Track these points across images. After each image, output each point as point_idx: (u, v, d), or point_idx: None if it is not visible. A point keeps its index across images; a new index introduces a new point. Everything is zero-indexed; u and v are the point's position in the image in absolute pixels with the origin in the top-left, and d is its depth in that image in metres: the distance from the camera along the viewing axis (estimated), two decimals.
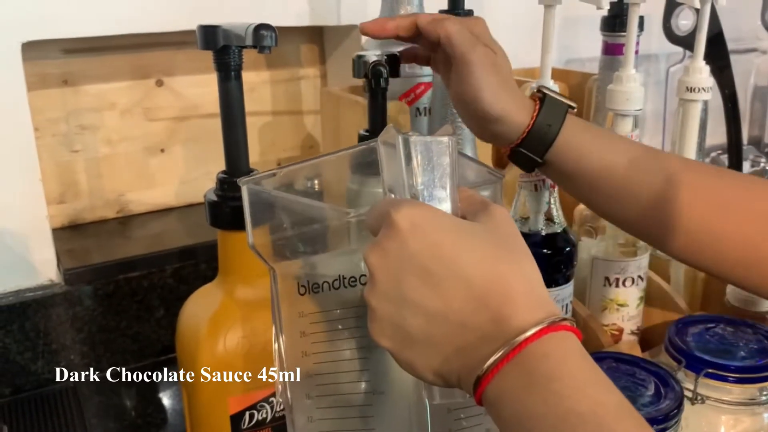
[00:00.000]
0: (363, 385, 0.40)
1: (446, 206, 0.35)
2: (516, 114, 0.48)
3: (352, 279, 0.40)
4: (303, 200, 0.41)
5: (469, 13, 0.60)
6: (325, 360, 0.41)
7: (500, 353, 0.30)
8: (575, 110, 0.49)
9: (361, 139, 0.53)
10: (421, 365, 0.33)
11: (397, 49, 0.69)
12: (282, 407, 0.51)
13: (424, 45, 0.52)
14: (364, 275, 0.39)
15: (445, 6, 0.62)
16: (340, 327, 0.41)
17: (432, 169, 0.35)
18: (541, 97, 0.49)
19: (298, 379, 0.42)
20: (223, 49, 0.46)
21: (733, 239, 0.46)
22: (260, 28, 0.43)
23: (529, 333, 0.30)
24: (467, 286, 0.31)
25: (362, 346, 0.40)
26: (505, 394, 0.30)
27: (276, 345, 0.42)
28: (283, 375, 0.42)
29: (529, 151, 0.48)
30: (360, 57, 0.50)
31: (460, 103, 0.49)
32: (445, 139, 0.35)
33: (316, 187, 0.43)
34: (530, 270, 0.33)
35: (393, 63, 0.51)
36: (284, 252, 0.42)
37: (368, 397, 0.40)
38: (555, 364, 0.30)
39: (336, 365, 0.41)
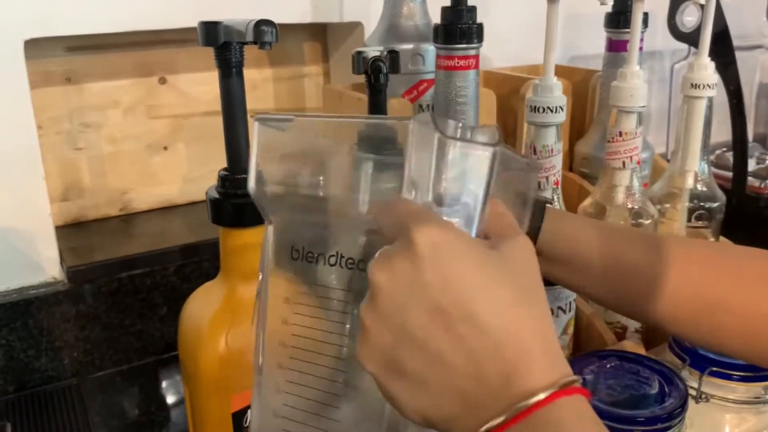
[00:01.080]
0: (337, 374, 0.37)
1: (472, 222, 0.31)
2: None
3: (350, 261, 0.36)
4: (320, 142, 0.37)
5: (472, 10, 0.60)
6: (303, 335, 0.37)
7: (505, 416, 0.28)
8: (554, 203, 0.49)
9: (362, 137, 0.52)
10: (406, 403, 0.30)
11: (402, 46, 0.69)
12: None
13: None
14: (363, 261, 0.36)
15: (447, 3, 0.62)
16: (326, 307, 0.37)
17: (465, 179, 0.31)
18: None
19: (273, 345, 0.39)
20: (224, 46, 0.46)
21: (735, 314, 0.42)
22: (261, 23, 0.42)
23: (540, 396, 0.28)
24: (481, 333, 0.28)
25: (345, 334, 0.37)
26: None
27: (257, 303, 0.39)
28: (259, 335, 0.39)
29: None
30: (360, 53, 0.49)
31: None
32: (488, 150, 0.30)
33: (321, 184, 0.40)
34: (546, 320, 0.30)
35: (393, 59, 0.51)
36: (285, 206, 0.38)
37: (340, 387, 0.37)
38: (567, 430, 0.28)
39: (314, 344, 0.37)
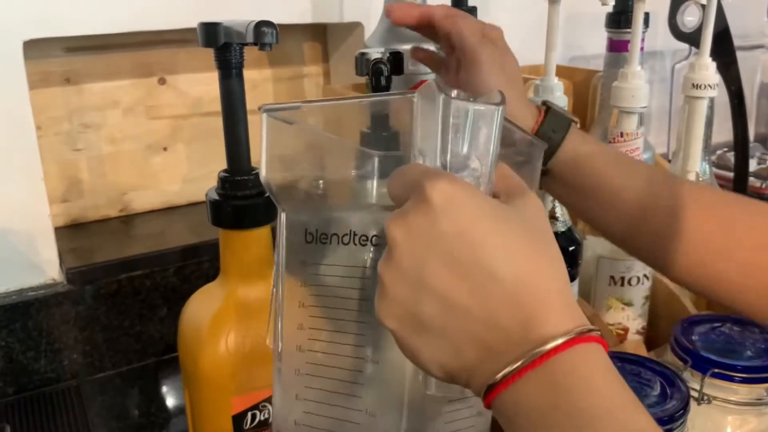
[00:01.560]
0: (358, 351, 0.37)
1: (482, 182, 0.32)
2: (521, 116, 0.47)
3: (363, 237, 0.36)
4: (326, 138, 0.38)
5: (472, 10, 0.60)
6: (321, 315, 0.38)
7: (523, 360, 0.28)
8: (578, 125, 0.49)
9: (363, 136, 0.52)
10: (427, 356, 0.30)
11: (402, 46, 0.69)
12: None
13: (442, 42, 0.51)
14: (377, 236, 0.36)
15: (447, 3, 0.62)
16: (343, 285, 0.37)
17: (472, 139, 0.31)
18: (545, 108, 0.49)
19: (292, 329, 0.39)
20: (224, 47, 0.46)
21: (738, 263, 0.45)
22: (261, 25, 0.42)
23: (558, 342, 0.28)
24: (497, 280, 0.28)
25: (363, 310, 0.37)
26: (522, 403, 0.28)
27: (274, 290, 0.40)
28: (277, 321, 0.40)
29: None
30: (363, 54, 0.49)
31: None
32: (492, 107, 0.31)
33: (321, 188, 0.41)
34: (562, 272, 0.30)
35: (396, 61, 0.51)
36: (297, 193, 0.39)
37: (361, 363, 0.37)
38: (582, 380, 0.28)
39: (332, 323, 0.38)
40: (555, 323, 0.28)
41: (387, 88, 0.49)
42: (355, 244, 0.37)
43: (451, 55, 0.51)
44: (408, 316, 0.30)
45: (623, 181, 0.47)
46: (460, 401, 0.38)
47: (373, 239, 0.36)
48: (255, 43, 0.43)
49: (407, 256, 0.29)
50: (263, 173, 0.38)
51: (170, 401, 0.72)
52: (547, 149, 0.46)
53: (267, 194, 0.39)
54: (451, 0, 0.61)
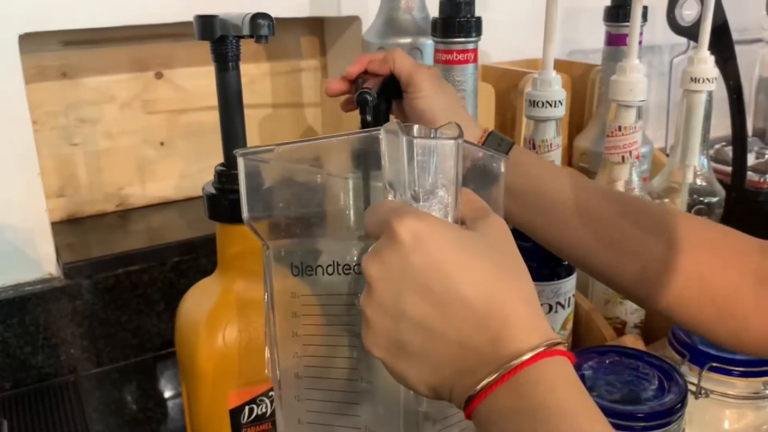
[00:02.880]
0: (352, 373, 0.40)
1: (448, 210, 0.34)
2: (468, 132, 0.48)
3: (347, 267, 0.39)
4: (303, 168, 0.40)
5: (471, 4, 0.59)
6: (315, 343, 0.41)
7: (495, 376, 0.31)
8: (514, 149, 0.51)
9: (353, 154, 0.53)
10: (414, 378, 0.33)
11: (401, 40, 0.68)
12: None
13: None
14: (358, 264, 0.39)
15: None
16: (331, 313, 0.40)
17: (436, 172, 0.34)
18: (487, 128, 0.52)
19: (288, 358, 0.41)
20: (220, 40, 0.46)
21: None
22: (257, 17, 0.42)
23: (524, 357, 0.30)
24: (468, 305, 0.31)
25: (353, 334, 0.39)
26: (495, 415, 0.31)
27: (266, 321, 0.42)
28: (273, 352, 0.42)
29: None
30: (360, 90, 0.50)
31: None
32: (451, 142, 0.34)
33: (308, 206, 0.43)
34: (528, 289, 0.33)
35: (393, 86, 0.52)
36: (279, 230, 0.41)
37: (356, 384, 0.40)
38: (545, 391, 0.30)
39: (326, 349, 0.41)
40: (522, 340, 0.31)
41: (376, 118, 0.50)
42: (339, 274, 0.39)
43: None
44: (392, 344, 0.33)
45: (561, 186, 0.49)
46: (454, 416, 0.40)
47: (356, 268, 0.39)
48: (251, 36, 0.42)
49: (384, 291, 0.32)
50: (245, 214, 0.40)
51: (168, 396, 0.72)
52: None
53: None
54: None
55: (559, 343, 0.31)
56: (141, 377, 0.74)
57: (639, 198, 0.51)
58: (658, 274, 0.45)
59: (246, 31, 0.43)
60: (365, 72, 0.54)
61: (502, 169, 0.41)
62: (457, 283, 0.31)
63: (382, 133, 0.35)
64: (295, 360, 0.41)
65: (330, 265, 0.40)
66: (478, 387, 0.31)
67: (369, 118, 0.49)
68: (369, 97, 0.49)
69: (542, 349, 0.31)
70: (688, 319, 0.45)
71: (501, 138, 0.52)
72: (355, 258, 0.39)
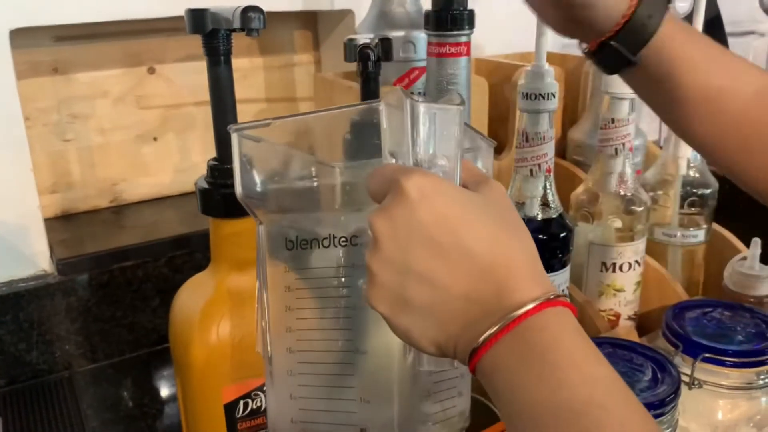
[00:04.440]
0: (345, 344, 0.40)
1: (450, 176, 0.35)
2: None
3: (343, 239, 0.39)
4: (295, 153, 0.40)
5: None
6: (308, 316, 0.41)
7: (500, 325, 0.31)
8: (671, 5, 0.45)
9: (346, 144, 0.53)
10: (418, 333, 0.33)
11: (393, 33, 0.68)
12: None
13: None
14: (356, 236, 0.39)
15: None
16: (326, 285, 0.40)
17: (438, 138, 0.34)
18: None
19: (280, 332, 0.41)
20: (211, 33, 0.45)
21: None
22: (248, 10, 0.42)
23: (528, 307, 0.31)
24: (473, 258, 0.32)
25: (348, 306, 0.39)
26: (500, 365, 0.31)
27: (259, 297, 0.42)
28: (265, 327, 0.42)
29: (623, 46, 0.42)
30: (351, 40, 0.49)
31: None
32: (454, 108, 0.34)
33: (302, 181, 0.43)
34: (530, 246, 0.34)
35: (385, 47, 0.50)
36: (273, 206, 0.41)
37: (350, 355, 0.40)
38: (551, 337, 0.31)
39: (319, 322, 0.40)
40: (525, 291, 0.31)
41: (375, 73, 0.49)
42: (336, 246, 0.39)
43: None
44: (397, 299, 0.33)
45: (726, 84, 0.42)
46: (445, 382, 0.41)
47: (353, 240, 0.39)
48: (242, 29, 0.42)
49: (391, 245, 0.32)
50: (238, 189, 0.40)
51: (163, 392, 0.72)
52: (641, 36, 0.42)
53: None
54: None
55: (560, 296, 0.32)
56: (136, 373, 0.74)
57: None
58: None
59: (237, 24, 0.42)
60: None
61: (491, 153, 0.42)
62: (463, 237, 0.32)
63: (381, 103, 0.35)
64: (287, 334, 0.41)
65: (326, 238, 0.40)
66: (482, 338, 0.31)
67: (371, 69, 0.49)
68: (371, 52, 0.48)
69: (545, 299, 0.31)
70: None
71: (655, 1, 0.41)
72: (352, 230, 0.39)
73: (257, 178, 0.40)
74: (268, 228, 0.41)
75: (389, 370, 0.39)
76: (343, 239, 0.39)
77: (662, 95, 0.44)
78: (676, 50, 0.42)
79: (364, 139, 0.38)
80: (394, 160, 0.35)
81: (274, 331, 0.42)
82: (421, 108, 0.33)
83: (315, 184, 0.41)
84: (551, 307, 0.31)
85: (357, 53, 0.48)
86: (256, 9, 0.42)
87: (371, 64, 0.47)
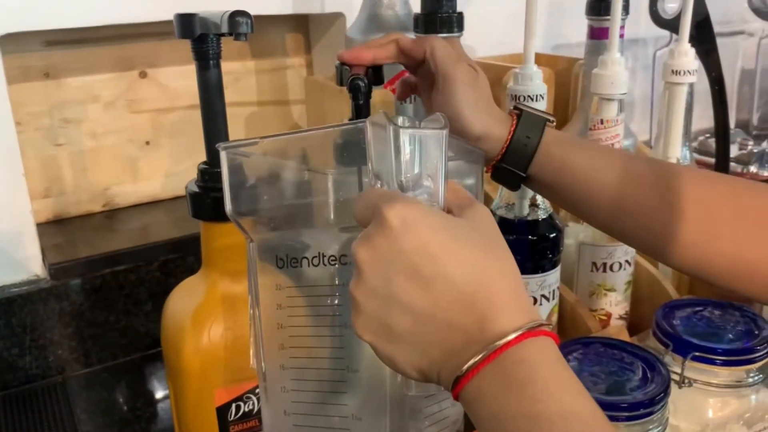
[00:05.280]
0: (337, 362, 0.40)
1: (435, 200, 0.35)
2: (496, 130, 0.49)
3: (332, 258, 0.40)
4: (286, 165, 0.41)
5: (451, 0, 0.59)
6: (300, 334, 0.41)
7: (481, 355, 0.31)
8: (554, 123, 0.50)
9: (336, 148, 0.53)
10: (403, 361, 0.33)
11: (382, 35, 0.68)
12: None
13: (407, 65, 0.53)
14: (345, 255, 0.39)
15: None
16: (316, 304, 0.40)
17: (422, 162, 0.34)
18: (518, 113, 0.50)
19: (273, 350, 0.42)
20: (200, 38, 0.46)
21: (722, 246, 0.46)
22: (235, 14, 0.42)
23: (509, 338, 0.31)
24: (455, 287, 0.32)
25: (339, 324, 0.40)
26: (482, 394, 0.31)
27: (251, 314, 0.42)
28: (258, 344, 0.42)
29: (510, 166, 0.49)
30: (342, 65, 0.50)
31: None
32: (438, 132, 0.34)
33: (291, 199, 0.43)
34: (514, 275, 0.34)
35: (376, 74, 0.51)
36: (263, 223, 0.41)
37: (342, 374, 0.40)
38: (530, 369, 0.31)
39: (311, 340, 0.41)
40: (507, 321, 0.32)
41: (366, 104, 0.50)
42: (325, 265, 0.40)
43: (422, 77, 0.53)
44: (381, 328, 0.33)
45: (602, 177, 0.48)
46: (435, 399, 0.41)
47: (342, 258, 0.39)
48: (230, 33, 0.42)
49: (374, 275, 0.33)
50: (228, 207, 0.40)
51: (157, 395, 0.72)
52: (524, 155, 0.49)
53: None
54: None
55: (543, 324, 0.32)
56: (130, 377, 0.74)
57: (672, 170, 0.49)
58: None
59: (225, 28, 0.43)
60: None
61: (481, 162, 0.42)
62: (445, 265, 0.32)
63: (367, 124, 0.35)
64: (280, 352, 0.42)
65: (315, 257, 0.40)
66: (465, 367, 0.31)
67: (361, 102, 0.49)
68: (361, 83, 0.49)
69: (527, 329, 0.31)
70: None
71: (532, 121, 0.49)
72: (340, 249, 0.40)
73: (248, 195, 0.41)
74: (259, 245, 0.42)
75: (381, 389, 0.39)
76: (332, 258, 0.40)
77: (561, 198, 0.51)
78: (558, 161, 0.49)
79: (354, 148, 0.39)
80: (379, 182, 0.35)
81: (267, 348, 0.42)
82: (404, 134, 0.33)
83: (307, 197, 0.41)
84: (532, 338, 0.31)
85: (348, 84, 0.48)
86: (243, 14, 0.43)
87: (362, 96, 0.48)
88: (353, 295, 0.33)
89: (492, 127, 0.49)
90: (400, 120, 0.34)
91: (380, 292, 0.32)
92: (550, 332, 0.33)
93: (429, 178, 0.34)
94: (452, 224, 0.34)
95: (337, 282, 0.40)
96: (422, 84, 0.53)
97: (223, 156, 0.40)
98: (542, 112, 0.50)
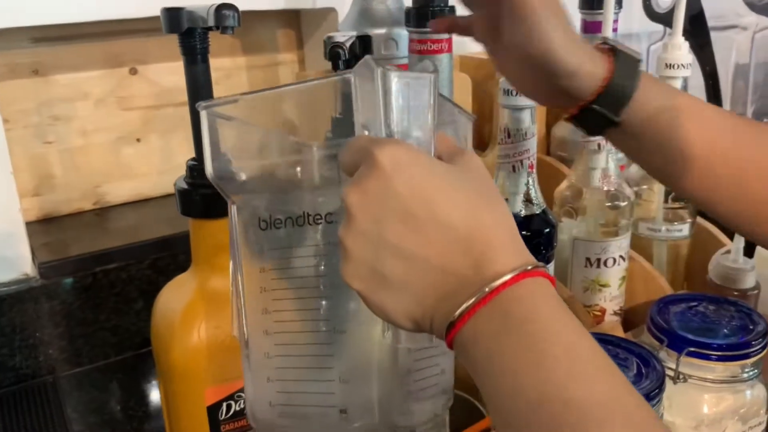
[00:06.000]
0: (324, 324, 0.39)
1: (425, 148, 0.33)
2: (589, 65, 0.43)
3: (317, 216, 0.38)
4: (270, 132, 0.39)
5: None
6: (285, 297, 0.40)
7: (476, 297, 0.30)
8: (641, 64, 0.45)
9: (335, 122, 0.52)
10: (394, 309, 0.32)
11: (375, 30, 0.68)
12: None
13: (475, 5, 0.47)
14: (330, 213, 0.38)
15: None
16: (302, 265, 0.39)
17: (411, 108, 0.33)
18: (609, 48, 0.44)
19: (256, 315, 0.40)
20: (187, 32, 0.45)
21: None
22: (222, 7, 0.42)
23: (506, 278, 0.30)
24: (450, 230, 0.31)
25: (325, 285, 0.38)
26: (479, 336, 0.30)
27: (233, 279, 0.41)
28: (240, 310, 0.41)
29: (605, 109, 0.43)
30: (330, 38, 0.49)
31: (522, 63, 0.43)
32: (427, 75, 0.33)
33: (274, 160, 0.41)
34: (507, 216, 0.33)
35: (364, 45, 0.50)
36: (245, 184, 0.40)
37: (329, 335, 0.39)
38: (530, 307, 0.30)
39: (297, 303, 0.40)
40: (503, 262, 0.31)
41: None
42: (310, 224, 0.38)
43: (484, 15, 0.46)
44: (372, 275, 0.32)
45: (705, 135, 0.44)
46: (425, 360, 0.40)
47: (327, 217, 0.38)
48: (217, 27, 0.42)
49: (365, 219, 0.31)
50: (208, 169, 0.39)
51: (148, 395, 0.72)
52: (621, 97, 0.43)
53: None
54: None
55: (538, 266, 0.31)
56: (121, 376, 0.73)
57: None
58: None
59: (211, 22, 0.42)
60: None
61: (470, 126, 0.40)
62: (439, 208, 0.31)
63: (353, 74, 0.34)
64: (264, 317, 0.40)
65: (300, 216, 0.38)
66: (459, 311, 0.30)
67: (341, 69, 0.48)
68: (341, 51, 0.48)
69: (523, 269, 0.31)
70: None
71: (627, 62, 0.43)
72: (326, 208, 0.38)
73: (229, 158, 0.39)
74: (241, 207, 0.40)
75: (369, 350, 0.38)
76: (317, 217, 0.38)
77: (645, 151, 0.46)
78: (654, 113, 0.44)
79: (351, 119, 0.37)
80: (366, 132, 0.34)
81: (250, 314, 0.41)
82: (393, 77, 0.32)
83: (291, 164, 0.39)
84: (529, 278, 0.31)
85: (327, 52, 0.47)
86: (230, 6, 0.42)
87: (342, 63, 0.47)
88: (342, 241, 0.32)
89: (586, 62, 0.43)
90: (389, 68, 0.33)
91: (371, 236, 0.31)
92: (546, 273, 0.32)
93: (418, 128, 0.33)
94: (446, 168, 0.32)
95: (323, 242, 0.38)
96: (482, 25, 0.46)
97: (203, 115, 0.38)
98: (632, 51, 0.44)
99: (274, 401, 0.41)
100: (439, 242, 0.31)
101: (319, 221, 0.38)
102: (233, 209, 0.40)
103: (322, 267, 0.38)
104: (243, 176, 0.40)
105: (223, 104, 0.38)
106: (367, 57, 0.33)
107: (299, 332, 0.40)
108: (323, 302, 0.39)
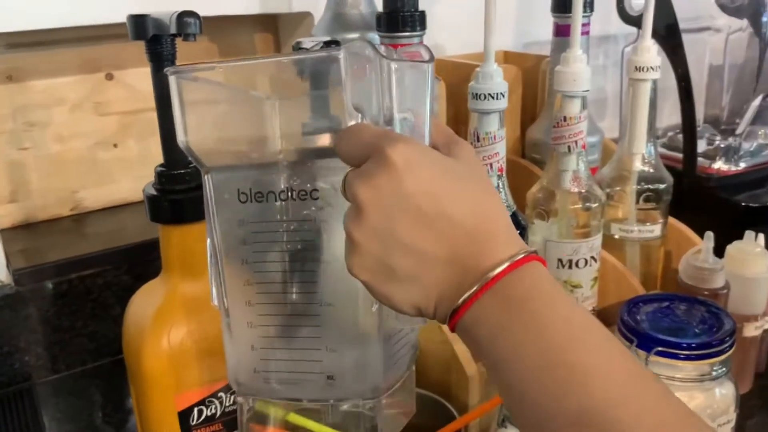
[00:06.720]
0: (310, 296, 0.39)
1: (419, 133, 0.34)
2: None
3: (303, 192, 0.37)
4: (236, 90, 0.38)
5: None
6: (267, 269, 0.39)
7: (479, 284, 0.32)
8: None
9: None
10: (400, 300, 0.34)
11: (348, 35, 0.68)
12: (232, 398, 0.49)
13: None
14: (316, 190, 0.37)
15: None
16: (283, 239, 0.38)
17: (409, 96, 0.33)
18: None
19: (237, 286, 0.40)
20: (154, 39, 0.45)
21: None
22: (183, 15, 0.42)
23: (506, 265, 0.32)
24: (458, 226, 0.33)
25: (308, 259, 0.38)
26: (482, 318, 0.32)
27: (210, 251, 0.40)
28: (219, 281, 0.40)
29: None
30: (298, 43, 0.49)
31: None
32: (424, 65, 0.33)
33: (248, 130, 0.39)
34: (503, 208, 0.35)
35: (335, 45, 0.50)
36: (220, 155, 0.39)
37: (315, 308, 0.39)
38: (529, 287, 0.32)
39: (279, 275, 0.39)
40: (502, 251, 0.33)
41: None
42: (294, 199, 0.37)
43: None
44: (380, 268, 0.33)
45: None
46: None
47: (313, 193, 0.37)
48: (179, 34, 0.42)
49: (377, 215, 0.33)
50: (181, 137, 0.38)
51: (126, 401, 0.71)
52: None
53: None
54: None
55: (531, 251, 0.34)
56: (99, 382, 0.73)
57: None
58: None
59: (173, 29, 0.42)
60: None
61: (430, 71, 0.39)
62: (449, 206, 0.33)
63: (343, 52, 0.33)
64: (246, 288, 0.40)
65: (282, 191, 0.38)
66: (462, 298, 0.32)
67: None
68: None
69: (522, 255, 0.33)
70: None
71: None
72: (315, 183, 0.37)
73: (203, 123, 0.38)
74: (217, 179, 0.39)
75: (356, 321, 0.38)
76: (302, 193, 0.37)
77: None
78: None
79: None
80: (359, 115, 0.34)
81: (232, 285, 0.40)
82: (392, 63, 0.32)
83: (268, 127, 0.37)
84: (525, 263, 0.33)
85: (293, 48, 0.47)
86: (191, 14, 0.42)
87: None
88: (352, 235, 0.33)
89: None
90: (383, 50, 0.33)
91: (382, 232, 0.33)
92: (539, 257, 0.34)
93: (414, 115, 0.33)
94: (450, 165, 0.34)
95: (308, 217, 0.38)
96: None
97: (173, 81, 0.37)
98: None
99: (259, 368, 0.41)
100: (448, 238, 0.33)
101: (305, 197, 0.37)
102: (207, 179, 0.39)
103: (308, 242, 0.38)
104: (217, 144, 0.38)
105: (197, 70, 0.37)
106: (361, 39, 0.33)
107: (283, 304, 0.39)
108: (308, 276, 0.38)
